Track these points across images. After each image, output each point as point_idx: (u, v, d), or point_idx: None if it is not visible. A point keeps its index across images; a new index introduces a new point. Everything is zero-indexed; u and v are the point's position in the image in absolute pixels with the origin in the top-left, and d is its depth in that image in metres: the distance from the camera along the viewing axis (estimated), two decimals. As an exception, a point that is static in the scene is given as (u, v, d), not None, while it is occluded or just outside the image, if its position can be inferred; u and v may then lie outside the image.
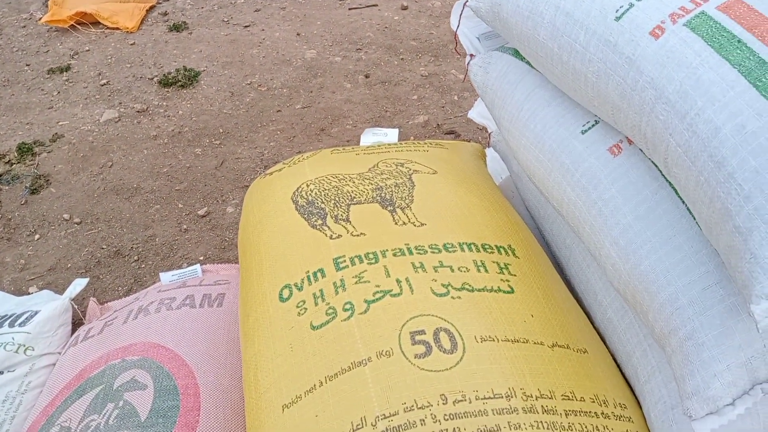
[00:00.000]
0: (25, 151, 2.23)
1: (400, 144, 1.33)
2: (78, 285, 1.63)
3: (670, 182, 0.78)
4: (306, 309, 0.89)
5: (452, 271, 0.88)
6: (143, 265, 1.80)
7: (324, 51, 2.83)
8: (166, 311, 1.38)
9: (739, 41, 0.63)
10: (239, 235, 1.24)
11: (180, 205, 2.00)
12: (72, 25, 3.06)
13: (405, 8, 3.16)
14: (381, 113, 2.37)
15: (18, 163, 2.19)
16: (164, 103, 2.48)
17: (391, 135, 1.47)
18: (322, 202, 1.10)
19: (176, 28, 3.05)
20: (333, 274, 0.92)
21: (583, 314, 0.90)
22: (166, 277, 1.65)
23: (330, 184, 1.15)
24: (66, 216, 1.97)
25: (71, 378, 1.28)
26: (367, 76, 2.61)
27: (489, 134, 1.40)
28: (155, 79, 2.64)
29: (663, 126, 0.67)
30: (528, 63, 1.08)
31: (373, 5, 3.22)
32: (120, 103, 2.50)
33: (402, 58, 2.72)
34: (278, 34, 2.99)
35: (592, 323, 0.94)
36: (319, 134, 2.29)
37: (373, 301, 0.85)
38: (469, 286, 0.85)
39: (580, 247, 0.94)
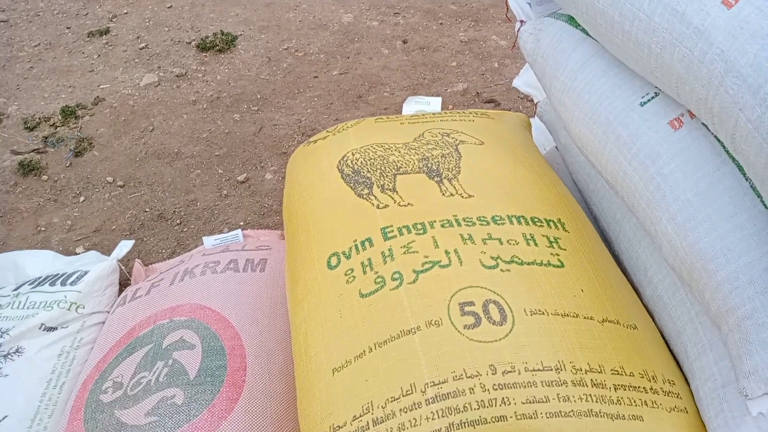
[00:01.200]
0: (68, 114, 2.28)
1: (445, 113, 1.31)
2: (124, 247, 1.68)
3: (733, 158, 0.75)
4: (354, 277, 0.91)
5: (501, 243, 0.88)
6: (185, 229, 1.84)
7: (361, 15, 2.79)
8: (211, 274, 1.42)
9: (822, 12, 0.60)
10: (284, 202, 1.26)
11: (220, 171, 2.03)
12: (110, -13, 3.07)
13: (443, -29, 3.07)
14: (419, 80, 2.33)
15: (62, 126, 2.25)
16: (202, 68, 2.49)
17: (434, 104, 1.46)
18: (368, 171, 1.10)
19: (212, -10, 3.04)
20: (381, 243, 0.93)
21: (632, 290, 0.89)
22: (209, 241, 1.68)
23: (376, 153, 1.14)
24: (110, 179, 2.02)
25: (121, 336, 1.33)
26: (404, 42, 2.57)
27: (535, 104, 1.37)
28: (193, 43, 2.65)
29: (732, 100, 0.64)
30: (583, 30, 1.05)
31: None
32: (159, 67, 2.52)
33: (441, 23, 2.66)
34: (314, -2, 2.96)
35: (641, 299, 0.93)
36: (356, 101, 2.27)
37: (422, 271, 0.86)
38: (519, 259, 0.85)
39: (630, 222, 0.93)
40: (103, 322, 1.47)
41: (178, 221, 1.86)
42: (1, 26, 2.91)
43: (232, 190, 1.95)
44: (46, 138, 2.19)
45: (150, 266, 1.71)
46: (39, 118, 2.28)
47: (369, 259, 0.92)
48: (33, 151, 2.14)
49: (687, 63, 0.72)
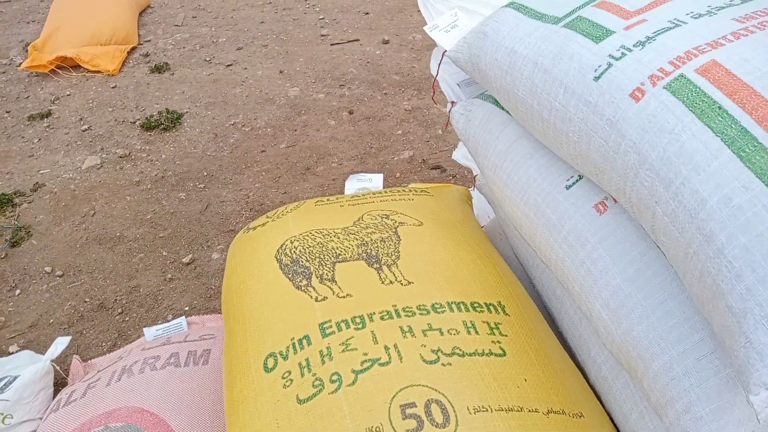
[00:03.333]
0: (4, 202, 2.19)
1: (385, 192, 1.31)
2: (60, 344, 1.58)
3: (658, 242, 0.76)
4: (292, 380, 0.86)
5: (441, 334, 0.85)
6: (127, 318, 1.75)
7: (307, 88, 2.84)
8: (150, 371, 1.34)
9: (719, 107, 0.62)
10: (223, 296, 1.21)
11: (164, 253, 1.96)
12: (53, 69, 3.05)
13: (386, 42, 3.19)
14: (366, 150, 2.36)
15: (-3, 214, 2.15)
16: (147, 147, 2.46)
17: (376, 180, 1.46)
18: (307, 261, 1.07)
19: (158, 69, 3.05)
20: (319, 341, 0.89)
21: (578, 372, 0.88)
22: (150, 332, 1.60)
23: (314, 240, 1.12)
24: (48, 269, 1.93)
25: (52, 449, 1.23)
26: (351, 113, 2.61)
27: (474, 176, 1.39)
28: (137, 122, 2.62)
29: (648, 193, 0.65)
30: (509, 112, 1.08)
31: (355, 40, 3.24)
32: (102, 148, 2.48)
33: (385, 93, 2.73)
34: (261, 72, 3.00)
35: (587, 379, 0.92)
36: (304, 173, 2.27)
37: (362, 371, 0.82)
38: (460, 350, 0.82)
39: (570, 301, 0.92)
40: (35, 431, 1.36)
41: (119, 310, 1.77)
42: (-64, 112, 2.83)
43: (177, 273, 1.89)
44: (-21, 228, 2.09)
45: (89, 362, 1.61)
46: (-28, 208, 2.19)
47: (307, 360, 0.88)
48: (-36, 243, 2.04)
49: (603, 153, 0.73)
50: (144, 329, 1.60)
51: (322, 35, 3.35)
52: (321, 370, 0.85)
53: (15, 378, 1.41)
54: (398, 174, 2.20)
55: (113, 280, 1.87)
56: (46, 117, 2.73)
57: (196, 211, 2.13)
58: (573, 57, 0.83)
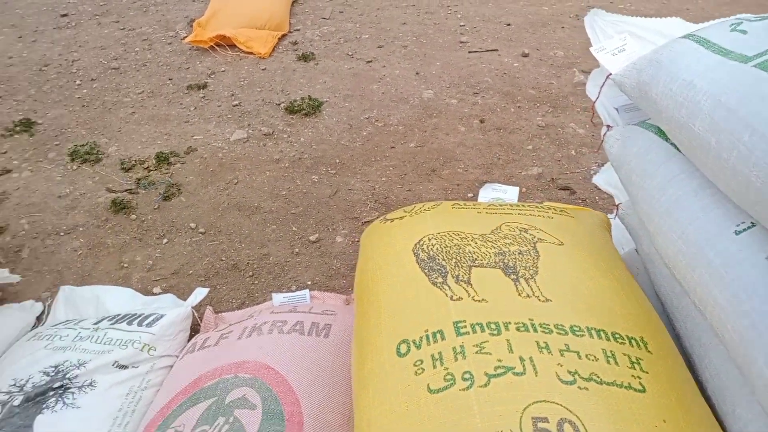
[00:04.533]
0: (162, 160, 2.46)
1: (523, 206, 1.33)
2: (199, 294, 1.76)
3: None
4: (423, 369, 0.91)
5: (579, 357, 0.87)
6: (256, 281, 1.91)
7: (441, 92, 2.90)
8: (277, 334, 1.46)
9: None
10: (357, 277, 1.29)
11: (294, 228, 2.11)
12: (211, 46, 3.35)
13: (526, 55, 3.17)
14: (493, 160, 2.38)
15: (155, 170, 2.42)
16: (288, 129, 2.64)
17: (511, 193, 1.48)
18: (444, 260, 1.12)
19: (304, 58, 3.25)
20: (453, 338, 0.94)
21: (717, 426, 0.85)
22: (277, 298, 1.74)
23: (452, 241, 1.17)
24: (192, 225, 2.14)
25: (187, 384, 1.38)
26: (482, 121, 2.64)
27: (617, 205, 1.37)
28: (282, 105, 2.82)
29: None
30: (674, 145, 1.06)
31: (494, 50, 3.26)
32: (249, 124, 2.69)
33: (519, 106, 2.73)
34: (398, 72, 3.10)
35: (724, 432, 0.89)
36: (430, 174, 2.33)
37: (495, 375, 0.86)
38: (598, 377, 0.83)
39: (718, 350, 0.90)
40: (171, 366, 1.53)
41: (250, 273, 1.94)
42: (113, 73, 3.21)
43: (303, 249, 2.02)
44: (139, 180, 2.36)
45: (219, 314, 1.77)
46: (135, 161, 2.47)
47: (440, 353, 0.92)
48: (126, 191, 2.31)
49: (791, 203, 0.71)
50: (272, 294, 1.74)
51: (461, 42, 3.40)
52: (453, 366, 0.89)
53: (161, 316, 1.59)
54: (524, 189, 2.20)
55: (247, 245, 2.05)
56: (203, 88, 3.01)
57: (326, 194, 2.26)
58: (765, 99, 0.81)
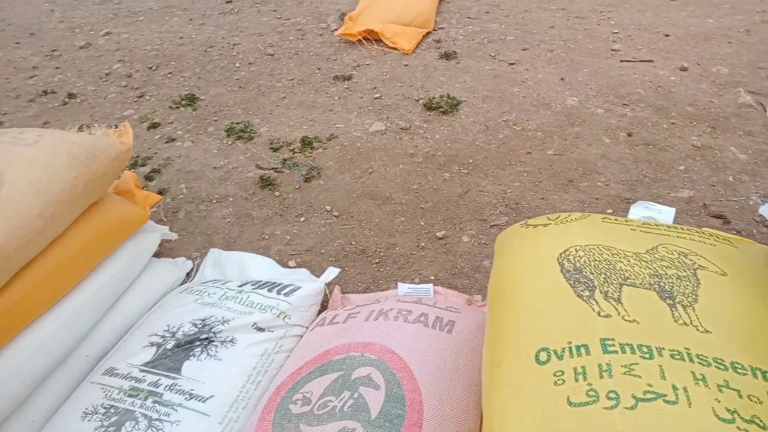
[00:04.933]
0: (306, 144, 2.61)
1: (681, 228, 1.25)
2: (331, 273, 1.86)
3: None
4: (564, 381, 0.90)
5: (740, 396, 0.80)
6: (382, 269, 1.97)
7: (586, 100, 2.78)
8: (402, 322, 1.50)
9: None
10: (492, 279, 1.29)
11: (422, 223, 2.15)
12: (359, 39, 3.49)
13: (684, 69, 2.94)
14: (639, 177, 2.24)
15: (300, 152, 2.58)
16: (425, 125, 2.69)
17: (666, 214, 1.39)
18: (592, 273, 1.09)
19: (446, 56, 3.28)
20: (599, 355, 0.91)
21: None
22: (402, 287, 1.79)
23: (602, 255, 1.13)
24: (328, 207, 2.26)
25: (316, 354, 1.46)
26: (629, 135, 2.49)
27: (790, 241, 1.23)
28: (421, 101, 2.87)
29: None
30: None
31: (648, 61, 3.06)
32: (387, 117, 2.77)
33: (672, 123, 2.54)
34: (541, 76, 3.03)
35: None
36: (566, 185, 2.25)
37: (643, 400, 0.82)
38: (761, 421, 0.77)
39: None
40: (300, 336, 1.63)
41: (377, 260, 2.00)
42: (269, 59, 3.46)
43: (429, 244, 2.05)
44: (285, 160, 2.53)
45: (346, 295, 1.86)
46: (282, 142, 2.65)
47: (583, 368, 0.90)
48: (272, 169, 2.49)
49: None
50: (398, 283, 1.79)
51: (613, 50, 3.23)
52: (597, 383, 0.86)
53: (298, 288, 1.70)
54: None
55: (376, 233, 2.12)
56: (347, 80, 3.14)
57: (456, 193, 2.27)
58: None
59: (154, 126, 2.83)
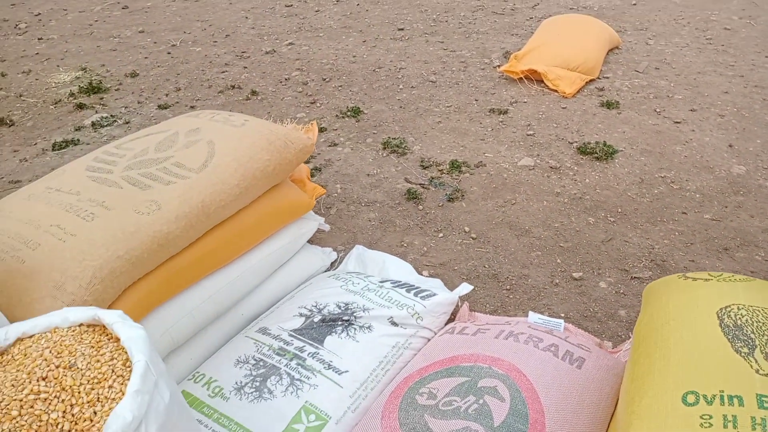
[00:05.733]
0: (455, 167, 2.74)
1: None
2: (465, 288, 1.94)
3: None
4: (711, 425, 0.90)
5: None
6: (511, 296, 2.02)
7: (755, 171, 2.62)
8: (533, 347, 1.54)
9: None
10: (641, 320, 1.30)
11: (558, 260, 2.16)
12: (521, 77, 3.58)
13: None
14: (806, 259, 2.08)
15: (447, 174, 2.71)
16: (575, 168, 2.70)
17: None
18: (753, 333, 1.07)
19: (607, 105, 3.26)
20: (753, 408, 0.90)
21: None
22: (533, 316, 1.82)
23: (766, 318, 1.10)
24: (466, 229, 2.35)
25: (444, 358, 1.55)
26: (800, 214, 2.32)
27: None
28: (574, 144, 2.89)
29: None
30: None
31: (836, 141, 2.81)
32: (538, 155, 2.82)
33: None
34: (708, 139, 2.90)
35: None
36: (720, 252, 2.15)
37: (797, 458, 0.81)
38: None
39: None
40: (428, 339, 1.73)
41: (507, 286, 2.05)
42: (430, 85, 3.66)
43: (563, 282, 2.06)
44: (432, 179, 2.67)
45: (473, 313, 1.93)
46: (432, 162, 2.80)
47: (734, 417, 0.90)
48: (419, 184, 2.64)
49: None
50: (530, 311, 1.83)
51: (793, 124, 3.02)
52: (748, 433, 0.86)
53: (434, 294, 1.80)
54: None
55: (510, 261, 2.17)
56: (503, 114, 3.24)
57: (599, 239, 2.26)
58: None
59: (321, 130, 3.12)
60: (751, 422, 0.88)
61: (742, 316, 1.11)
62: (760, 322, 1.09)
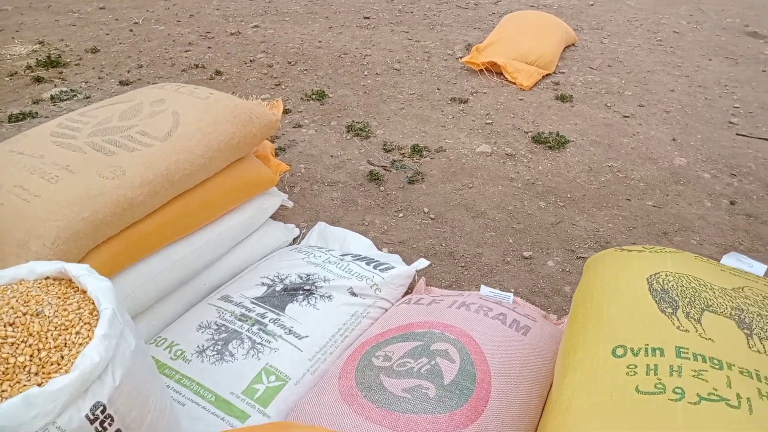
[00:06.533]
0: (416, 151, 2.82)
1: (770, 280, 1.31)
2: (422, 263, 2.03)
3: None
4: (636, 373, 1.01)
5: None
6: (466, 272, 2.12)
7: (695, 163, 2.81)
8: (482, 315, 1.64)
9: None
10: (579, 288, 1.41)
11: (510, 240, 2.28)
12: (481, 69, 3.69)
13: (805, 153, 2.89)
14: (734, 244, 2.26)
15: (408, 158, 2.79)
16: (529, 155, 2.82)
17: (757, 268, 1.45)
18: (677, 296, 1.19)
19: (561, 98, 3.41)
20: (672, 358, 1.01)
21: None
22: (485, 290, 1.92)
23: (689, 284, 1.22)
24: (425, 209, 2.44)
25: (400, 324, 1.63)
26: (732, 203, 2.50)
27: None
28: (529, 134, 3.02)
29: None
30: None
31: (766, 139, 3.03)
32: (495, 142, 2.94)
33: (781, 201, 2.52)
34: (653, 133, 3.08)
35: None
36: (660, 236, 2.31)
37: (707, 399, 0.92)
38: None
39: None
40: (385, 309, 1.81)
41: (462, 264, 2.15)
42: (394, 73, 3.74)
43: (514, 261, 2.18)
44: (394, 161, 2.75)
45: (429, 287, 2.02)
46: (394, 146, 2.88)
47: (656, 366, 1.01)
48: (381, 167, 2.71)
49: None
50: (482, 285, 1.93)
51: (731, 122, 3.23)
52: (666, 379, 0.97)
53: (392, 267, 1.88)
54: (762, 281, 2.05)
55: (465, 241, 2.27)
56: (463, 103, 3.34)
57: (548, 222, 2.38)
58: None
59: (285, 112, 3.15)
60: (669, 370, 0.99)
61: (669, 281, 1.23)
62: (683, 286, 1.21)
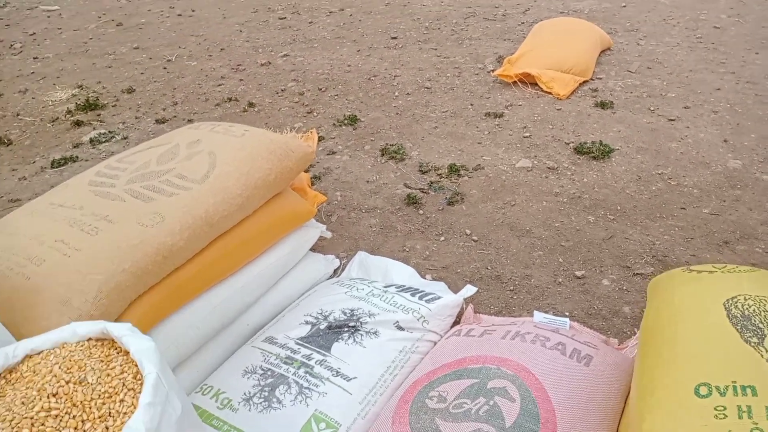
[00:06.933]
0: (453, 170, 2.75)
1: None
2: (469, 290, 1.94)
3: None
4: (726, 416, 0.90)
5: None
6: (515, 296, 2.02)
7: (751, 165, 2.64)
8: (540, 346, 1.54)
9: None
10: (647, 316, 1.30)
11: (560, 260, 2.17)
12: (515, 81, 3.60)
13: None
14: (806, 251, 2.09)
15: (446, 178, 2.72)
16: (573, 168, 2.71)
17: None
18: (761, 323, 1.07)
19: (602, 105, 3.28)
20: (767, 398, 0.91)
21: None
22: (538, 316, 1.82)
23: (773, 307, 1.11)
24: (467, 231, 2.36)
25: (452, 360, 1.55)
26: (799, 206, 2.34)
27: None
28: (571, 144, 2.90)
29: None
30: None
31: (830, 133, 2.84)
32: (535, 156, 2.84)
33: None
34: (703, 135, 2.92)
35: None
36: (721, 246, 2.16)
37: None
38: None
39: None
40: (435, 342, 1.73)
41: (511, 287, 2.06)
42: (425, 92, 3.68)
43: (566, 281, 2.07)
44: (432, 183, 2.68)
45: (478, 314, 1.93)
46: (431, 167, 2.81)
47: (749, 407, 0.90)
48: (419, 189, 2.65)
49: None
50: (534, 311, 1.83)
51: (787, 117, 3.04)
52: (764, 423, 0.87)
53: (439, 297, 1.80)
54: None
55: (512, 262, 2.17)
56: (499, 117, 3.26)
57: (600, 237, 2.26)
58: None
59: (319, 139, 3.13)
60: (766, 412, 0.88)
61: (749, 306, 1.12)
62: (767, 311, 1.10)
